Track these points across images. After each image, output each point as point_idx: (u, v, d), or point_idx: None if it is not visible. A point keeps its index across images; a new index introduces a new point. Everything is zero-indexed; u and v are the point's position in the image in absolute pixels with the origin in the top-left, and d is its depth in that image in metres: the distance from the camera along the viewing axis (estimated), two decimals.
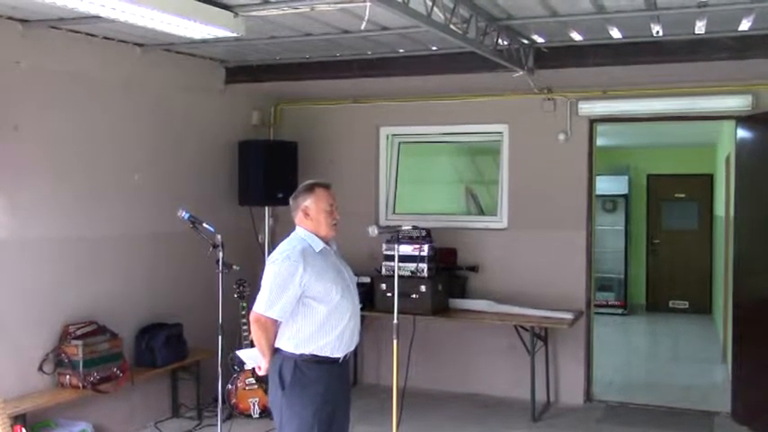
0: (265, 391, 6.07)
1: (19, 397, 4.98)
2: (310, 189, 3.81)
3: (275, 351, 3.71)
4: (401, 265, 5.91)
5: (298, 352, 3.64)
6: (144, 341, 5.93)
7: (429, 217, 7.41)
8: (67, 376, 5.27)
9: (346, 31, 5.52)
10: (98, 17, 4.41)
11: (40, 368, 5.24)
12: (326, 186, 3.85)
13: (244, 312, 6.04)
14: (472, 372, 7.09)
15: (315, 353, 3.64)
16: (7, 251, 5.03)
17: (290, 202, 3.85)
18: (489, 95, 6.93)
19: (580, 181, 6.80)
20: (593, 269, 6.99)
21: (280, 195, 6.69)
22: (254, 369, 6.06)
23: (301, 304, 3.64)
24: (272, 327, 3.67)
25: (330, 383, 3.68)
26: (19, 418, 4.71)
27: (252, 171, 6.82)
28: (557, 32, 5.66)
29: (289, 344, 3.66)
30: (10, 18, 4.93)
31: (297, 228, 3.81)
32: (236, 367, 6.25)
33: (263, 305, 3.63)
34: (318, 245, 3.73)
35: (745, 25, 5.27)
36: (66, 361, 5.26)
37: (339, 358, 3.71)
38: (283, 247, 3.74)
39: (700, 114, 6.53)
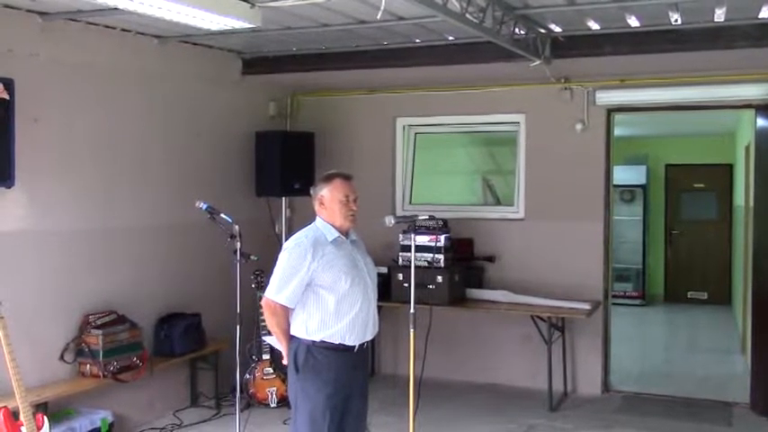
0: (283, 381, 6.13)
1: (40, 386, 5.04)
2: (329, 179, 3.84)
3: (291, 337, 3.77)
4: (418, 255, 5.91)
5: (310, 339, 3.70)
6: (163, 331, 5.98)
7: (446, 207, 7.40)
8: (88, 365, 5.33)
9: (362, 22, 5.52)
10: (116, 9, 4.44)
11: (61, 357, 5.30)
12: (346, 177, 3.85)
13: (261, 302, 6.07)
14: (489, 362, 7.10)
15: (326, 340, 3.68)
16: (27, 242, 5.09)
17: (311, 190, 3.89)
18: (506, 85, 6.91)
19: (597, 171, 6.76)
20: (610, 260, 6.97)
21: (296, 186, 6.72)
22: (272, 358, 6.18)
23: (311, 292, 3.69)
24: (282, 312, 3.74)
25: (344, 370, 3.71)
26: (40, 407, 4.77)
27: (269, 162, 6.84)
28: (574, 21, 5.63)
29: (301, 330, 3.72)
30: (29, 11, 4.97)
31: (317, 217, 3.84)
32: (253, 357, 6.30)
33: (273, 291, 3.72)
34: (332, 234, 3.75)
35: (765, 13, 5.21)
36: (87, 350, 5.32)
37: (354, 346, 3.73)
38: (297, 235, 3.80)
39: (719, 103, 6.48)
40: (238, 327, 5.32)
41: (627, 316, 10.65)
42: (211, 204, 5.30)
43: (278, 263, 3.74)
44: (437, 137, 7.93)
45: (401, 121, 7.54)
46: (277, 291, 3.70)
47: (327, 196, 3.79)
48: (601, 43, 6.03)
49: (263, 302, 3.84)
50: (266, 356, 6.26)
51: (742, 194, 8.68)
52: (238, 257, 5.24)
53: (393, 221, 4.29)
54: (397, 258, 6.68)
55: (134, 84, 5.88)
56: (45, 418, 4.53)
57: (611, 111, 6.78)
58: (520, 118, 7.06)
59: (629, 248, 11.85)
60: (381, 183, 7.43)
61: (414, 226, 4.60)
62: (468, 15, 4.72)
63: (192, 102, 6.46)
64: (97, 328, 5.36)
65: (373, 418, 4.01)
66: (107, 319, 5.48)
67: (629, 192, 12.03)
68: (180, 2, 4.20)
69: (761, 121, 6.30)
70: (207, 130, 6.62)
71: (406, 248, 6.52)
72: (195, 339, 6.12)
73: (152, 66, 6.01)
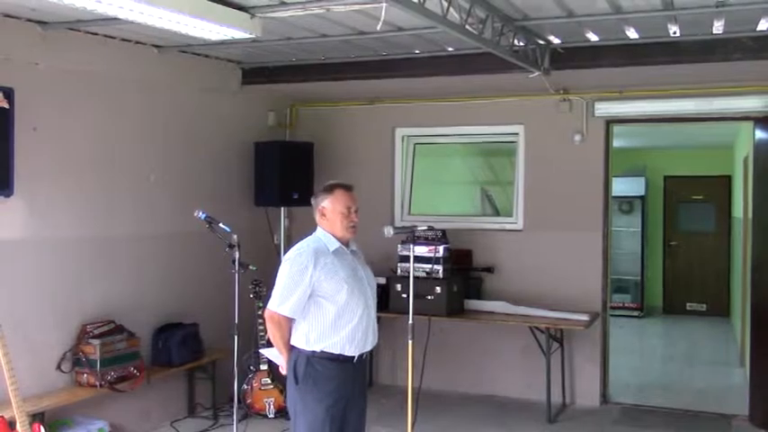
0: (281, 392, 6.12)
1: (37, 395, 5.02)
2: (330, 189, 3.83)
3: (291, 348, 3.75)
4: (416, 265, 5.91)
5: (310, 349, 3.68)
6: (160, 341, 5.97)
7: (444, 218, 7.41)
8: (85, 375, 5.31)
9: (362, 33, 5.53)
10: (116, 19, 4.44)
11: (58, 367, 5.28)
12: (347, 188, 3.85)
13: (259, 312, 6.07)
14: (487, 373, 7.08)
15: (326, 350, 3.67)
16: (26, 251, 5.08)
17: (311, 201, 3.88)
18: (505, 96, 6.92)
19: (596, 182, 6.77)
20: (609, 271, 6.96)
21: (295, 196, 6.72)
22: (269, 369, 6.16)
23: (312, 302, 3.68)
24: (286, 324, 3.72)
25: (343, 381, 3.70)
26: (37, 417, 4.75)
27: (268, 172, 6.84)
28: (573, 33, 5.64)
29: (301, 341, 3.71)
30: (29, 20, 4.98)
31: (317, 227, 3.84)
32: (251, 367, 6.28)
33: (276, 302, 3.69)
34: (333, 244, 3.75)
35: (763, 25, 5.22)
36: (84, 360, 5.30)
37: (353, 357, 3.72)
38: (298, 245, 3.78)
39: (717, 115, 6.49)
40: (236, 337, 5.31)
41: (625, 327, 10.65)
42: (210, 214, 5.30)
43: (279, 274, 3.72)
44: (436, 147, 7.94)
45: (400, 132, 7.55)
46: (280, 302, 3.68)
47: (329, 207, 3.79)
48: (600, 55, 6.03)
49: (266, 315, 3.78)
50: (264, 367, 6.24)
51: (740, 206, 8.69)
52: (237, 267, 5.24)
53: (392, 232, 4.28)
54: (396, 269, 6.67)
55: (133, 93, 5.89)
56: (42, 427, 4.51)
57: (610, 122, 6.80)
58: (519, 129, 7.07)
59: (627, 260, 11.86)
60: (380, 193, 7.44)
61: (412, 236, 4.62)
62: (467, 27, 4.73)
63: (191, 111, 6.47)
64: (95, 337, 5.34)
65: (371, 428, 4.00)
66: (105, 328, 5.47)
67: (627, 203, 12.04)
68: (180, 12, 4.20)
69: (759, 133, 6.31)
70: (206, 140, 6.63)
71: (405, 259, 6.52)
72: (193, 349, 6.10)
73: (151, 75, 6.02)
